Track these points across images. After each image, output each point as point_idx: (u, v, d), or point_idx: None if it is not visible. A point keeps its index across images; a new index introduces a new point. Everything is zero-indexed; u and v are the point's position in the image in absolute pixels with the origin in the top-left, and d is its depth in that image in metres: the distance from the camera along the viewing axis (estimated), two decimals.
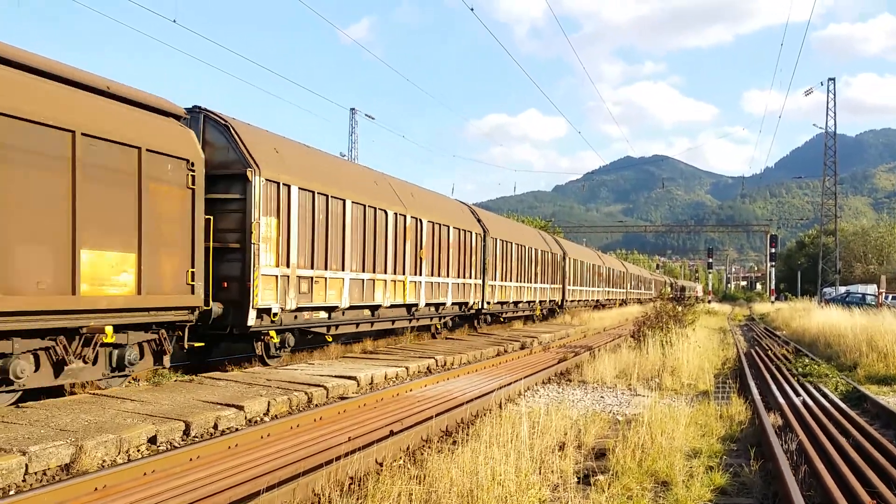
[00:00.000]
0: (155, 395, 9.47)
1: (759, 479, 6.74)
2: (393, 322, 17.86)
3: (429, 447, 7.26)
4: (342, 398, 10.60)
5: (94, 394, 9.50)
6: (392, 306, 17.36)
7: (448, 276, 20.76)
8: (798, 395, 11.48)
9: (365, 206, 15.80)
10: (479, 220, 24.45)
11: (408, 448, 7.43)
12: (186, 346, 11.03)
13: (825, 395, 11.48)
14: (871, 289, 49.39)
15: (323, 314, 14.60)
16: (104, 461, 6.83)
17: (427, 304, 19.47)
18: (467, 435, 7.24)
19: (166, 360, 10.63)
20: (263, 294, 12.24)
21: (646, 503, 5.78)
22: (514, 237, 28.01)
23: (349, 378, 11.57)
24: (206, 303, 11.05)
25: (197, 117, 12.20)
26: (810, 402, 10.64)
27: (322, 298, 14.14)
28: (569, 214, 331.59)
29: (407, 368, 13.45)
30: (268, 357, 13.31)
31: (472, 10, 15.79)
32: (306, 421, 8.66)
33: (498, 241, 25.46)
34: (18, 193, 7.96)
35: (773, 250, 76.43)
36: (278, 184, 12.66)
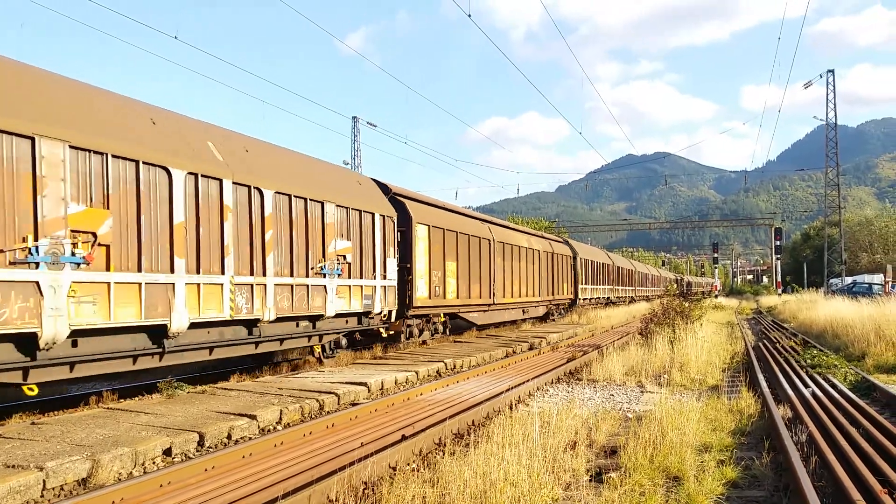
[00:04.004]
0: (168, 408, 9.54)
1: (770, 471, 6.78)
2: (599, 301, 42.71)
3: (441, 450, 7.32)
4: (353, 404, 10.67)
5: (108, 408, 9.58)
6: (599, 297, 42.06)
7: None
8: (807, 386, 11.48)
9: (603, 262, 43.21)
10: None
11: (420, 451, 7.49)
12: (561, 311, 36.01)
13: (834, 386, 11.48)
14: (877, 278, 49.30)
15: (590, 299, 39.95)
16: (120, 474, 6.89)
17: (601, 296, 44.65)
18: (479, 437, 7.29)
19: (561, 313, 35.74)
20: (581, 293, 37.79)
21: (658, 499, 5.82)
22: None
23: (360, 384, 11.64)
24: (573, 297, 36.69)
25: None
26: (819, 394, 10.65)
27: (591, 294, 39.73)
28: (573, 214, 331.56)
29: (416, 373, 13.50)
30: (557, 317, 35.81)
31: (469, 15, 15.88)
32: (319, 428, 8.72)
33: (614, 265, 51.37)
34: (560, 275, 34.80)
35: (779, 243, 76.25)
36: (582, 258, 38.23)
